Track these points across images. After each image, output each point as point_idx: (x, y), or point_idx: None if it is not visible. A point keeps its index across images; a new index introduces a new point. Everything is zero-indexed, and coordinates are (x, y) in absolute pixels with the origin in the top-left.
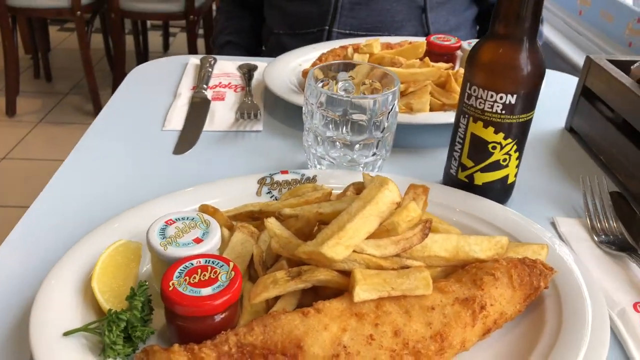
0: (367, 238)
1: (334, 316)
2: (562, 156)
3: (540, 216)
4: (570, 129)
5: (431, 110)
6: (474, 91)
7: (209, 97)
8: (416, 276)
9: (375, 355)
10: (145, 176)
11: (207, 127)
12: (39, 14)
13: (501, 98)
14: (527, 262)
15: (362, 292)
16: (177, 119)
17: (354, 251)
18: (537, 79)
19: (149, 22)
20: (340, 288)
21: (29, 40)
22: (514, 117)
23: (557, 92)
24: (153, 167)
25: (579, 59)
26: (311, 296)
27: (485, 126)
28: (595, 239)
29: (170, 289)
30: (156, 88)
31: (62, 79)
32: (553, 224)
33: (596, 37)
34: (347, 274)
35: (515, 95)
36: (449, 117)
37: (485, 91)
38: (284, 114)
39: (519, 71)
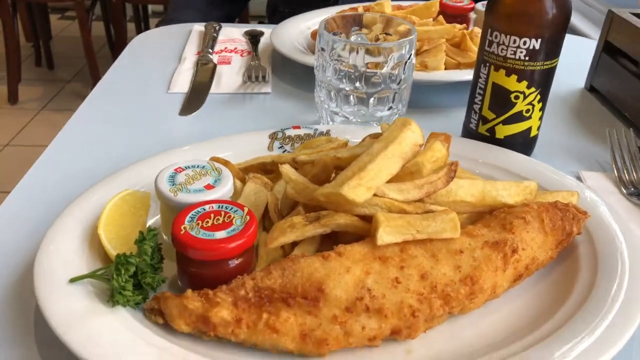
0: (389, 182)
1: (356, 259)
2: (583, 114)
3: (564, 171)
4: (590, 88)
5: (446, 69)
6: (496, 37)
7: (215, 61)
8: (443, 218)
9: (402, 298)
10: (151, 137)
11: (213, 89)
12: (39, 0)
13: (524, 43)
14: (559, 205)
15: (386, 234)
16: (183, 82)
17: (375, 195)
18: (562, 21)
19: (150, 9)
20: (361, 234)
21: (30, 28)
22: (537, 63)
23: (573, 54)
24: (159, 128)
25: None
26: (330, 243)
27: (508, 74)
28: (624, 191)
29: (182, 232)
30: (160, 54)
31: (63, 67)
32: (579, 179)
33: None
34: (368, 219)
35: (539, 40)
36: (466, 74)
37: (508, 36)
38: (293, 76)
39: (544, 13)
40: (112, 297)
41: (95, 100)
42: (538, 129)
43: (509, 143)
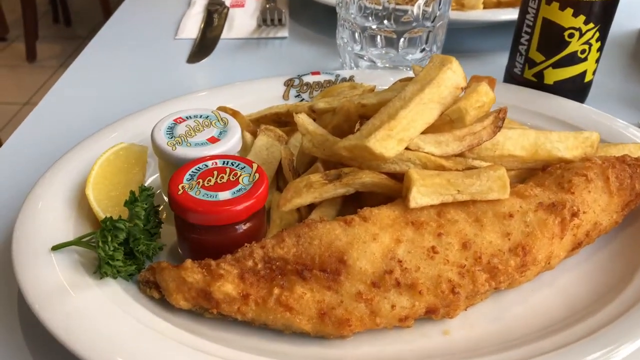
0: (424, 132)
1: (384, 225)
2: None
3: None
4: None
5: (485, 8)
6: None
7: (227, 3)
8: (489, 175)
9: (439, 271)
10: (156, 87)
11: (225, 34)
12: None
13: None
14: (627, 160)
15: (420, 195)
16: (192, 27)
17: (407, 148)
18: None
19: None
20: (390, 194)
21: None
22: None
23: None
24: (165, 76)
25: None
26: (354, 207)
27: (562, 7)
28: None
29: (180, 192)
30: None
31: (81, 23)
32: None
33: None
34: (399, 177)
35: None
36: (509, 13)
37: None
38: (313, 18)
39: None
40: (100, 268)
41: (95, 49)
42: (594, 73)
43: (560, 89)
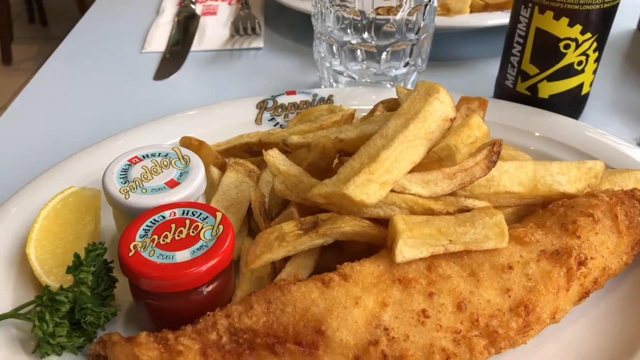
0: (410, 171)
1: (367, 285)
2: (638, 62)
3: (623, 136)
4: None
5: (472, 12)
6: None
7: (198, 11)
8: (484, 222)
9: (432, 339)
10: (120, 107)
11: (195, 46)
12: None
13: None
14: (637, 195)
15: (407, 248)
16: (159, 39)
17: (392, 191)
18: None
19: None
20: (374, 243)
21: None
22: (596, 0)
23: None
24: (130, 95)
25: None
26: (334, 256)
27: (557, 17)
28: None
29: (131, 254)
30: (135, 5)
31: (57, 23)
32: None
33: None
34: (383, 222)
35: None
36: (499, 17)
37: None
38: (290, 27)
39: None
40: (39, 347)
41: (56, 64)
42: (591, 84)
43: (555, 103)
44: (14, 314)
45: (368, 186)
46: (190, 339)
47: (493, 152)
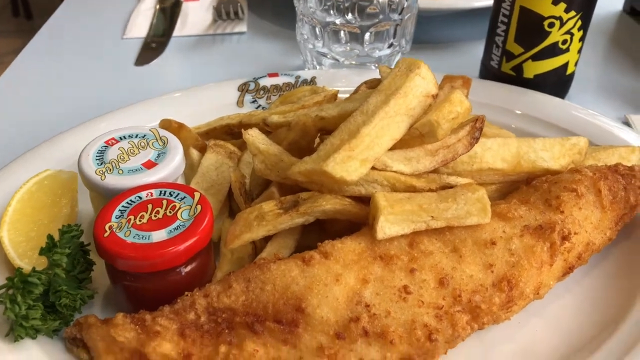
0: (392, 148)
1: (348, 262)
2: (625, 43)
3: (607, 115)
4: (630, 10)
5: None
6: None
7: None
8: (467, 198)
9: (413, 315)
10: (101, 92)
11: (177, 32)
12: None
13: None
14: (620, 170)
15: (389, 225)
16: (141, 25)
17: (373, 168)
18: None
19: None
20: (355, 221)
21: None
22: None
23: None
24: (111, 81)
25: None
26: (315, 236)
27: None
28: None
29: (106, 234)
30: None
31: (42, 16)
32: (627, 124)
33: None
34: (365, 200)
35: None
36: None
37: None
38: (274, 11)
39: None
40: (12, 330)
41: (35, 50)
42: (576, 64)
43: (540, 83)
44: None
45: (348, 163)
46: (167, 319)
47: (475, 128)
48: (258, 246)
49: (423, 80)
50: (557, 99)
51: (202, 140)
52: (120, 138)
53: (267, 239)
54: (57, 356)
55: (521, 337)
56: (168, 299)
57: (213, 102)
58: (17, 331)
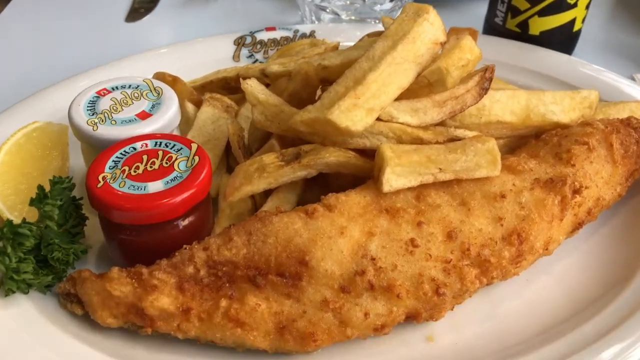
0: (398, 99)
1: (353, 215)
2: (631, 1)
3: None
4: None
5: None
6: None
7: None
8: (476, 149)
9: (421, 269)
10: (90, 49)
11: None
12: None
13: None
14: (633, 123)
15: (395, 177)
16: None
17: (378, 119)
18: None
19: None
20: (359, 175)
21: None
22: None
23: None
24: (100, 37)
25: None
26: (317, 192)
27: None
28: None
29: (100, 185)
30: None
31: None
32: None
33: None
34: (369, 154)
35: None
36: None
37: None
38: None
39: None
40: (4, 284)
41: (22, 4)
42: (583, 20)
43: (546, 40)
44: None
45: (354, 112)
46: (165, 273)
47: (485, 78)
48: (258, 202)
49: (431, 27)
50: (565, 55)
51: (197, 94)
52: (113, 88)
53: (267, 195)
54: (50, 312)
55: (529, 294)
56: (165, 254)
57: (208, 56)
58: (8, 284)
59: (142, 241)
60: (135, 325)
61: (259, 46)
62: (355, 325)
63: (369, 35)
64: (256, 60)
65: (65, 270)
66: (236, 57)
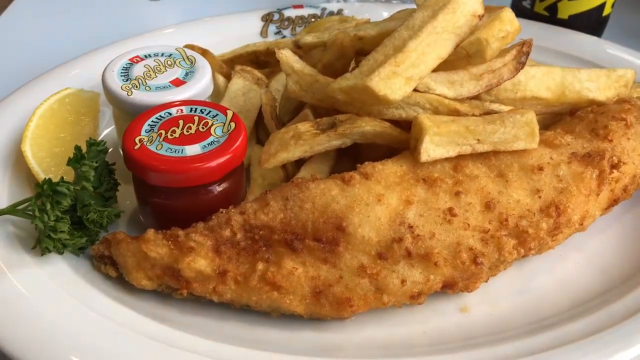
0: (435, 70)
1: (390, 183)
2: None
3: None
4: None
5: None
6: None
7: None
8: (515, 120)
9: (458, 238)
10: (115, 27)
11: None
12: None
13: None
14: None
15: (433, 146)
16: None
17: (415, 90)
18: None
19: None
20: (395, 146)
21: None
22: None
23: None
24: (125, 15)
25: None
26: (350, 161)
27: None
28: None
29: (137, 147)
30: None
31: None
32: None
33: None
34: (404, 125)
35: None
36: None
37: None
38: None
39: None
40: (40, 243)
41: None
42: (613, 5)
43: (575, 24)
44: (11, 209)
45: (393, 80)
46: (202, 236)
47: (522, 52)
48: (290, 172)
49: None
50: (594, 37)
51: (226, 67)
52: (146, 56)
53: (298, 166)
54: (84, 272)
55: (561, 270)
56: (197, 220)
57: (236, 32)
58: (45, 243)
59: (176, 205)
60: (170, 287)
61: (286, 23)
62: (391, 292)
63: (399, 12)
64: (284, 37)
65: (98, 233)
66: (264, 33)
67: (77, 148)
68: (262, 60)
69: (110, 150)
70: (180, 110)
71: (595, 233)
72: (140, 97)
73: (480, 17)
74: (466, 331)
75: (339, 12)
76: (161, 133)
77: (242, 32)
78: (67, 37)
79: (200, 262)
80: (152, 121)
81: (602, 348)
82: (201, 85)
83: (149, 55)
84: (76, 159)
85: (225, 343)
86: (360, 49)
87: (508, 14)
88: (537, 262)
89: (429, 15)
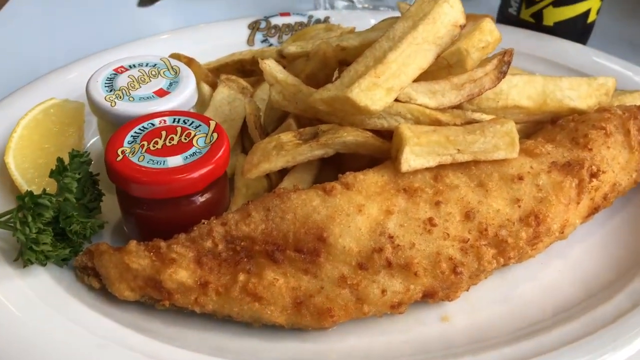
0: (416, 80)
1: (371, 193)
2: None
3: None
4: None
5: None
6: None
7: None
8: (495, 130)
9: (438, 248)
10: (102, 34)
11: None
12: None
13: None
14: None
15: (414, 156)
16: None
17: (396, 100)
18: None
19: None
20: (376, 155)
21: None
22: None
23: None
24: (113, 22)
25: None
26: (333, 171)
27: None
28: None
29: (119, 158)
30: None
31: None
32: None
33: None
34: (386, 135)
35: None
36: None
37: None
38: None
39: None
40: (22, 255)
41: None
42: (598, 12)
43: (560, 31)
44: None
45: (373, 91)
46: (183, 247)
47: (503, 62)
48: (274, 181)
49: (452, 9)
50: (579, 45)
51: (212, 76)
52: (130, 66)
53: (282, 175)
54: (67, 284)
55: (544, 277)
56: (181, 231)
57: (222, 40)
58: (27, 255)
59: (159, 216)
60: (152, 299)
61: (273, 31)
62: (372, 302)
63: (384, 20)
64: (270, 45)
65: (82, 244)
66: (250, 41)
67: (60, 160)
68: (248, 69)
69: (95, 160)
70: (163, 121)
71: (577, 241)
72: (124, 108)
73: (462, 26)
74: (448, 340)
75: (326, 19)
76: (143, 144)
77: (229, 40)
78: (52, 45)
79: (181, 274)
80: (135, 132)
81: (586, 354)
82: (185, 95)
83: (134, 65)
84: (58, 171)
85: (207, 354)
86: (343, 59)
87: (488, 24)
88: (519, 270)
89: (409, 26)
